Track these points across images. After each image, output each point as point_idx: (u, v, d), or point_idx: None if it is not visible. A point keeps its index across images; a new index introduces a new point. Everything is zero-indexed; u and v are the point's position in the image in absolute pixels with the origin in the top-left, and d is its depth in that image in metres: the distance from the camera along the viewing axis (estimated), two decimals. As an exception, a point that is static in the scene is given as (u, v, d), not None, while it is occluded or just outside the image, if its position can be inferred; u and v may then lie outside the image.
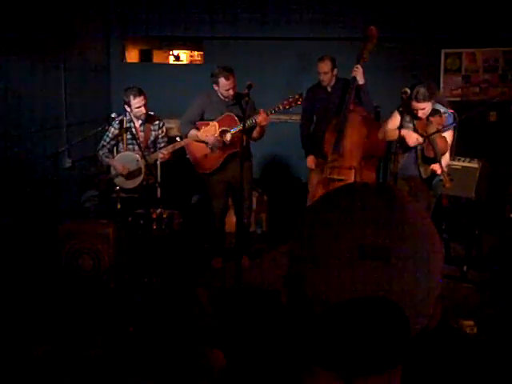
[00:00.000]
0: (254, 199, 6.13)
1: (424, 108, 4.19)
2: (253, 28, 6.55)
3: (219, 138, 4.80)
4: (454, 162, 5.14)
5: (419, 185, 4.38)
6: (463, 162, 5.15)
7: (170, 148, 4.90)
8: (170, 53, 8.03)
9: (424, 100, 4.15)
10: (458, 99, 6.38)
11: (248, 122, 4.53)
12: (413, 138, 4.28)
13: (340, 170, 4.92)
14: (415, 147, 4.35)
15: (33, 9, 5.31)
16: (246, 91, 4.36)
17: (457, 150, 5.41)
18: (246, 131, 4.69)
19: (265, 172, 6.74)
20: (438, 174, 4.22)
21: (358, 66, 4.79)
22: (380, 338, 0.64)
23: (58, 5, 5.67)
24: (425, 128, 4.23)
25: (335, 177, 4.90)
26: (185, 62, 8.20)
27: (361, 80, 4.80)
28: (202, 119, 4.90)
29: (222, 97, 4.82)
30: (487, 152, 5.56)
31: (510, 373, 3.18)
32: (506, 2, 5.91)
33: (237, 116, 4.74)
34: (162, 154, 4.82)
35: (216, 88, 4.78)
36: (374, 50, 4.90)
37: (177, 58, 8.11)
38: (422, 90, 4.14)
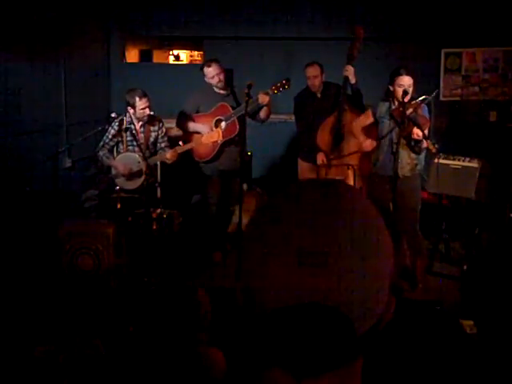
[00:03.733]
0: (254, 199, 6.13)
1: (410, 84, 4.26)
2: (253, 28, 6.56)
3: (214, 130, 4.95)
4: (454, 162, 5.14)
5: (399, 184, 4.25)
6: (463, 161, 5.15)
7: (180, 149, 4.95)
8: (170, 53, 8.03)
9: (407, 74, 4.27)
10: (457, 99, 6.39)
11: (249, 107, 4.70)
12: (367, 144, 4.50)
13: (338, 170, 4.90)
14: (390, 142, 4.34)
15: (33, 9, 5.31)
16: (247, 91, 4.39)
17: (457, 150, 5.42)
18: (250, 116, 4.94)
19: (265, 172, 6.74)
20: (418, 140, 4.19)
21: (349, 66, 4.79)
22: (322, 339, 0.65)
23: (58, 4, 5.67)
24: (401, 113, 4.19)
25: (333, 176, 4.89)
26: (185, 61, 8.20)
27: (353, 79, 4.81)
28: (197, 112, 5.10)
29: (216, 90, 5.02)
30: (487, 152, 5.55)
31: (510, 373, 3.18)
32: (506, 2, 5.91)
33: (231, 106, 4.95)
34: (171, 154, 4.84)
35: (207, 81, 5.01)
36: (367, 48, 4.90)
37: (177, 57, 8.11)
38: (404, 68, 4.36)
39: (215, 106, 4.99)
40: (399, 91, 4.27)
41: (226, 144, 4.98)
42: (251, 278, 0.68)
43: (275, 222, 0.68)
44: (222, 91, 5.03)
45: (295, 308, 0.65)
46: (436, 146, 4.13)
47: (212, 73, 4.92)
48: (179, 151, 4.95)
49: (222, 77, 4.94)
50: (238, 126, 4.89)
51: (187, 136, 5.10)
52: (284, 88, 4.82)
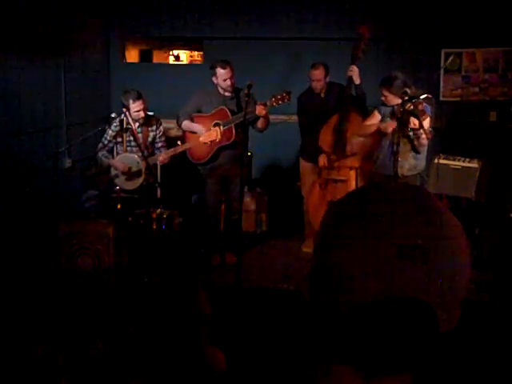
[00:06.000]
0: (254, 199, 6.13)
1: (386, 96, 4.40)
2: (253, 28, 6.55)
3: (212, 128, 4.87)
4: (454, 162, 5.14)
5: None
6: (463, 161, 5.15)
7: (171, 152, 4.92)
8: (170, 53, 8.03)
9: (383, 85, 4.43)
10: (457, 99, 6.39)
11: (247, 115, 4.60)
12: (388, 126, 4.41)
13: (340, 171, 4.90)
14: (391, 142, 4.33)
15: (33, 9, 5.31)
16: (247, 91, 4.38)
17: (457, 150, 5.41)
18: (250, 124, 4.83)
19: (265, 172, 6.74)
20: (416, 129, 4.19)
21: (354, 66, 4.78)
22: (409, 337, 0.63)
23: (58, 4, 5.67)
24: (401, 112, 4.20)
25: (335, 177, 4.89)
26: (185, 62, 8.21)
27: (357, 80, 4.80)
28: (199, 112, 4.98)
29: (221, 91, 4.91)
30: (487, 152, 5.55)
31: (510, 373, 3.18)
32: (506, 2, 5.91)
33: (231, 111, 4.84)
34: (162, 157, 4.83)
35: (215, 81, 4.87)
36: (368, 49, 4.89)
37: (177, 57, 8.12)
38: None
39: (217, 107, 4.89)
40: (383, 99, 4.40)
41: (222, 148, 4.90)
42: (341, 274, 0.66)
43: (371, 214, 0.66)
44: (226, 93, 4.92)
45: (386, 302, 0.63)
46: (432, 132, 4.17)
47: (226, 75, 4.79)
48: (171, 154, 4.90)
49: (233, 80, 4.83)
50: (234, 134, 4.79)
51: (187, 136, 5.04)
52: (284, 101, 4.72)
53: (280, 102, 4.72)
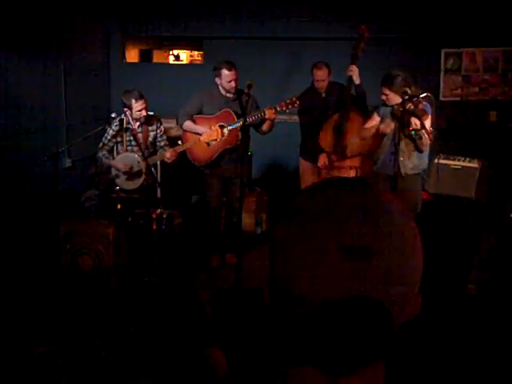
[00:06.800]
0: (254, 199, 6.13)
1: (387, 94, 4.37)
2: (252, 28, 6.56)
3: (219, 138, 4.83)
4: (454, 162, 5.15)
5: (400, 183, 4.26)
6: (463, 161, 5.16)
7: (178, 149, 4.91)
8: (170, 53, 8.04)
9: (384, 85, 4.39)
10: (457, 99, 6.39)
11: (250, 118, 4.58)
12: (387, 126, 4.40)
13: (340, 171, 4.90)
14: (392, 141, 4.34)
15: (33, 9, 5.31)
16: (247, 91, 4.38)
17: (457, 150, 5.42)
18: (253, 126, 4.80)
19: (265, 172, 6.74)
20: (418, 130, 4.19)
21: (354, 66, 4.78)
22: (364, 334, 0.64)
23: (58, 5, 5.67)
24: (401, 112, 4.21)
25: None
26: (185, 61, 8.21)
27: (357, 80, 4.80)
28: (200, 113, 4.93)
29: (223, 92, 4.86)
30: (487, 152, 5.55)
31: (510, 373, 3.19)
32: (506, 2, 5.91)
33: (235, 112, 4.80)
34: (170, 153, 4.82)
35: (218, 82, 4.82)
36: (367, 48, 4.89)
37: (177, 57, 8.12)
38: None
39: (219, 108, 4.83)
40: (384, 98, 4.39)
41: (227, 151, 4.85)
42: (287, 276, 0.67)
43: (311, 219, 0.67)
44: (228, 95, 4.85)
45: (336, 301, 0.64)
46: (434, 132, 4.17)
47: (231, 77, 4.73)
48: (178, 150, 4.91)
49: (237, 82, 4.77)
50: (239, 137, 4.75)
51: (186, 136, 5.03)
52: (293, 106, 4.69)
53: (290, 107, 4.69)
